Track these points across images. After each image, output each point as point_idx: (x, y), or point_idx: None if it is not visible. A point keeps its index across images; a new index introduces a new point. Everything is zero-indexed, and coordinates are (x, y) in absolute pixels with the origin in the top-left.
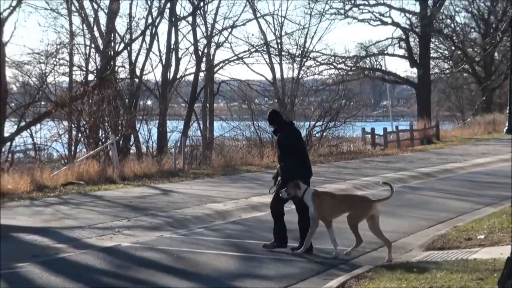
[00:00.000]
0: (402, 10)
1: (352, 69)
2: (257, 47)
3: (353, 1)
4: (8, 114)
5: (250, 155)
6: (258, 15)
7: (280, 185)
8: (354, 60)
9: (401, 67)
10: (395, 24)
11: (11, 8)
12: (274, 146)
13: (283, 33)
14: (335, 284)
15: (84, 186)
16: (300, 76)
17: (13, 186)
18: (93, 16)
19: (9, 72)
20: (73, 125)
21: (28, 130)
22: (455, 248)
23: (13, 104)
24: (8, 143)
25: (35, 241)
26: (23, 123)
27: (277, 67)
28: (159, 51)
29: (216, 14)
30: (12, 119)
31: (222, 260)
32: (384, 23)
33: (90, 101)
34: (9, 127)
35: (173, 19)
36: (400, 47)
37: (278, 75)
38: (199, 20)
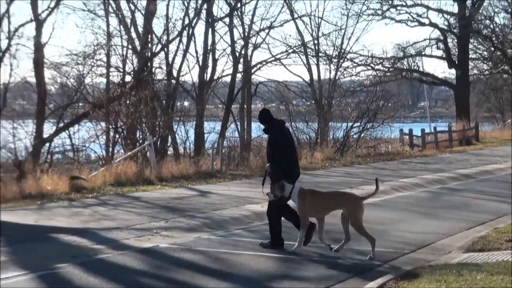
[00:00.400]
0: (439, 11)
1: (390, 70)
2: (294, 48)
3: (390, 2)
4: (47, 115)
5: None
6: (295, 16)
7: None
8: (392, 61)
9: (439, 68)
10: (433, 25)
11: (50, 9)
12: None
13: (320, 34)
14: (374, 286)
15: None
16: (337, 77)
17: (52, 187)
18: (130, 17)
19: (47, 73)
20: (110, 126)
21: (67, 131)
22: (496, 250)
23: (51, 105)
24: (47, 144)
25: (74, 242)
26: (61, 124)
27: (314, 68)
28: (196, 52)
29: (253, 15)
30: (51, 120)
31: (260, 261)
32: (422, 24)
33: (128, 102)
34: (47, 128)
35: (210, 20)
36: (438, 48)
37: (315, 76)
38: (236, 21)
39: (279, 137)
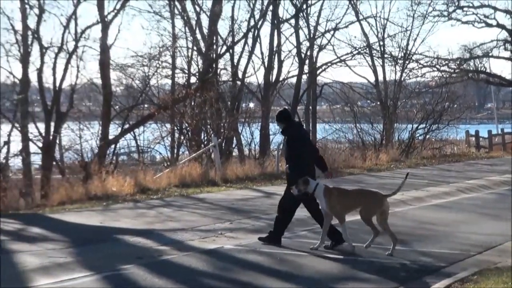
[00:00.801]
0: (507, 12)
1: (456, 71)
2: (359, 50)
3: (456, 3)
4: (113, 116)
5: (352, 157)
6: (361, 17)
7: (287, 184)
8: (458, 62)
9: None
10: (500, 26)
11: (116, 11)
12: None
13: (385, 35)
14: (439, 287)
15: None
16: (402, 79)
17: (117, 189)
18: (196, 19)
19: (113, 75)
20: (175, 128)
21: (132, 133)
22: None
23: (117, 107)
24: (113, 146)
25: (139, 243)
26: (127, 126)
27: (379, 70)
28: (262, 53)
29: (318, 16)
30: (116, 121)
31: (325, 263)
32: (489, 25)
33: (193, 103)
34: (113, 130)
35: (275, 21)
36: (505, 49)
37: (380, 78)
38: (301, 22)
39: (296, 137)
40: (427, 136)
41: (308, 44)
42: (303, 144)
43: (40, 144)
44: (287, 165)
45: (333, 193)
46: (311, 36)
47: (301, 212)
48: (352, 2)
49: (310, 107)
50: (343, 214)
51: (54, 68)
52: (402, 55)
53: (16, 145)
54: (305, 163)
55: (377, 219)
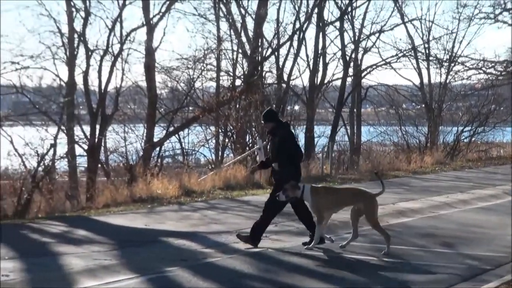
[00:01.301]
0: None
1: (502, 73)
2: (404, 52)
3: (503, 6)
4: (157, 119)
5: (397, 160)
6: (406, 19)
7: (276, 186)
8: (504, 64)
9: None
10: None
11: (161, 14)
12: (268, 146)
13: (430, 38)
14: None
15: None
16: (448, 81)
17: (162, 191)
18: (241, 21)
19: (158, 78)
20: (220, 130)
21: (177, 135)
22: None
23: (162, 110)
24: (157, 148)
25: (184, 245)
26: (171, 128)
27: (424, 72)
28: (307, 56)
29: (363, 19)
30: (161, 124)
31: (369, 265)
32: None
33: (237, 106)
34: (158, 132)
35: (320, 24)
36: None
37: (425, 80)
38: (346, 25)
39: (288, 138)
40: (473, 139)
41: (353, 46)
42: (296, 146)
43: (86, 147)
44: (279, 168)
45: (320, 192)
46: (356, 38)
47: (345, 214)
48: (397, 5)
49: (355, 110)
50: (329, 213)
51: (99, 71)
52: (448, 57)
53: (62, 147)
54: (298, 165)
55: (366, 218)
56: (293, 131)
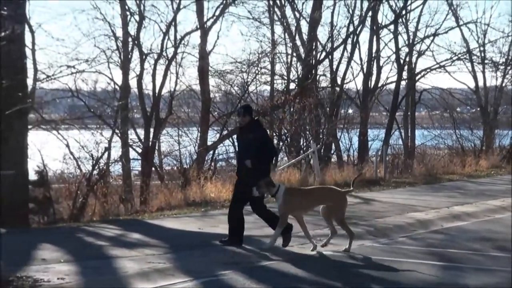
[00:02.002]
0: None
1: None
2: (459, 55)
3: None
4: (211, 122)
5: (452, 163)
6: (461, 22)
7: (250, 183)
8: None
9: None
10: None
11: (215, 17)
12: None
13: (486, 41)
14: None
15: None
16: (504, 84)
17: (215, 195)
18: (295, 25)
19: (212, 81)
20: (274, 134)
21: (230, 139)
22: None
23: (216, 113)
24: (211, 152)
25: (237, 249)
26: (225, 132)
27: (479, 75)
28: (361, 59)
29: (418, 22)
30: (215, 127)
31: (424, 269)
32: None
33: (292, 109)
34: (212, 136)
35: (374, 27)
36: None
37: (480, 83)
38: (400, 28)
39: (268, 136)
40: None
41: (407, 50)
42: (273, 144)
43: (140, 150)
44: (252, 166)
45: (294, 195)
46: (410, 42)
47: (401, 218)
48: (452, 8)
49: (409, 113)
50: (300, 213)
51: (153, 75)
52: (504, 60)
53: (116, 151)
54: (270, 164)
55: (334, 215)
56: None
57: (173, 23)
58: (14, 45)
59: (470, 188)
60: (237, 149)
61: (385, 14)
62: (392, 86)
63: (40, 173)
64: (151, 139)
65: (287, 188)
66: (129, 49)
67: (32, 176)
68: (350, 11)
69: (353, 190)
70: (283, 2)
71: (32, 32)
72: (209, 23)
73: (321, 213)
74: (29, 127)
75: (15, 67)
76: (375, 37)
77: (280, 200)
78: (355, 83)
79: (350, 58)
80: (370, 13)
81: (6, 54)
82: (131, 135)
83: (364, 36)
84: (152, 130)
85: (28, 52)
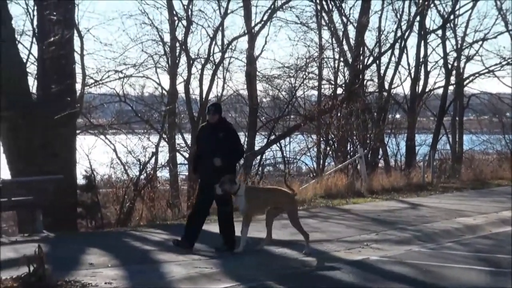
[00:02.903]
0: None
1: None
2: (508, 60)
3: None
4: (259, 127)
5: (501, 169)
6: (510, 27)
7: (206, 185)
8: None
9: None
10: None
11: (262, 22)
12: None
13: None
14: None
15: None
16: None
17: None
18: (342, 30)
19: (259, 86)
20: (321, 139)
21: (278, 144)
22: None
23: (263, 118)
24: (259, 157)
25: (285, 254)
26: (273, 137)
27: None
28: (408, 64)
29: (466, 27)
30: (262, 132)
31: (472, 275)
32: None
33: (339, 114)
34: (259, 141)
35: (422, 32)
36: None
37: None
38: (449, 33)
39: (237, 134)
40: None
41: (455, 54)
42: (242, 145)
43: (187, 155)
44: (221, 164)
45: (253, 193)
46: (459, 46)
47: (448, 223)
48: (502, 13)
49: (457, 118)
50: (258, 214)
51: (201, 79)
52: None
53: (163, 156)
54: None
55: (291, 217)
56: None
57: (220, 28)
58: (63, 50)
59: None
60: (199, 148)
61: (433, 19)
62: (440, 91)
63: (88, 177)
64: None
65: (248, 187)
66: (177, 54)
67: (80, 180)
68: (398, 16)
69: (296, 194)
70: (330, 7)
71: (80, 37)
72: (257, 28)
73: (267, 214)
74: (77, 131)
75: (64, 72)
76: (422, 42)
77: (243, 199)
78: (402, 88)
79: (397, 63)
80: (418, 18)
81: (55, 59)
82: (178, 140)
83: (412, 41)
84: None
85: (76, 57)
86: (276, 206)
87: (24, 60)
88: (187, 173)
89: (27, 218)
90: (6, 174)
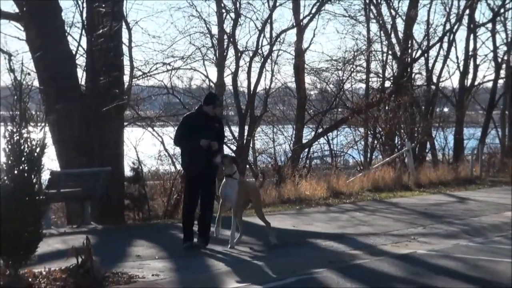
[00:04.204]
0: None
1: None
2: None
3: None
4: (306, 120)
5: None
6: None
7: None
8: None
9: None
10: None
11: (311, 15)
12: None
13: None
14: None
15: None
16: None
17: (310, 193)
18: (391, 23)
19: (307, 79)
20: (369, 132)
21: (325, 137)
22: None
23: (311, 111)
24: (306, 150)
25: (331, 247)
26: (320, 130)
27: None
28: (457, 57)
29: None
30: (310, 125)
31: None
32: None
33: (386, 108)
34: (307, 134)
35: (471, 25)
36: None
37: None
38: (499, 26)
39: None
40: None
41: (505, 48)
42: None
43: (234, 148)
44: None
45: (243, 185)
46: (509, 40)
47: (497, 217)
48: None
49: (506, 112)
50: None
51: (249, 72)
52: None
53: None
54: None
55: (257, 208)
56: None
57: (268, 21)
58: (112, 42)
59: None
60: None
61: (482, 12)
62: (489, 84)
63: (135, 169)
64: (245, 137)
65: (241, 178)
66: (225, 46)
67: (128, 172)
68: (447, 9)
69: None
70: (379, 0)
71: (129, 29)
72: (305, 21)
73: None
74: (125, 124)
75: (112, 64)
76: (472, 35)
77: (235, 188)
78: (451, 82)
79: (446, 57)
80: (467, 11)
81: (104, 51)
82: (226, 132)
83: (461, 34)
84: (246, 127)
85: (124, 49)
86: (248, 198)
87: (74, 52)
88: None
89: (75, 210)
90: (55, 166)
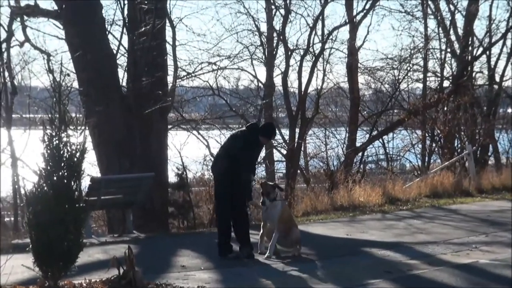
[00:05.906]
0: None
1: None
2: None
3: None
4: (360, 122)
5: None
6: None
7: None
8: None
9: None
10: None
11: (364, 11)
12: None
13: None
14: None
15: None
16: None
17: (364, 199)
18: (450, 19)
19: (361, 79)
20: (427, 135)
21: (380, 140)
22: None
23: (365, 112)
24: (360, 153)
25: (388, 256)
26: (375, 132)
27: None
28: None
29: None
30: (364, 127)
31: None
32: None
33: (445, 108)
34: (360, 136)
35: None
36: None
37: None
38: None
39: None
40: None
41: None
42: None
43: (284, 152)
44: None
45: (285, 205)
46: None
47: None
48: None
49: None
50: None
51: (299, 72)
52: None
53: None
54: None
55: None
56: None
57: (320, 17)
58: (155, 40)
59: None
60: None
61: None
62: None
63: (180, 175)
64: (296, 140)
65: (284, 201)
66: (274, 45)
67: (172, 178)
68: (510, 4)
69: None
70: None
71: (172, 27)
72: (358, 17)
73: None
74: (169, 127)
75: (155, 64)
76: None
77: (278, 207)
78: None
79: (510, 54)
80: None
81: (146, 50)
82: (277, 135)
83: None
84: (297, 130)
85: (168, 48)
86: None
87: (114, 52)
88: (284, 171)
89: (117, 218)
90: (96, 171)
